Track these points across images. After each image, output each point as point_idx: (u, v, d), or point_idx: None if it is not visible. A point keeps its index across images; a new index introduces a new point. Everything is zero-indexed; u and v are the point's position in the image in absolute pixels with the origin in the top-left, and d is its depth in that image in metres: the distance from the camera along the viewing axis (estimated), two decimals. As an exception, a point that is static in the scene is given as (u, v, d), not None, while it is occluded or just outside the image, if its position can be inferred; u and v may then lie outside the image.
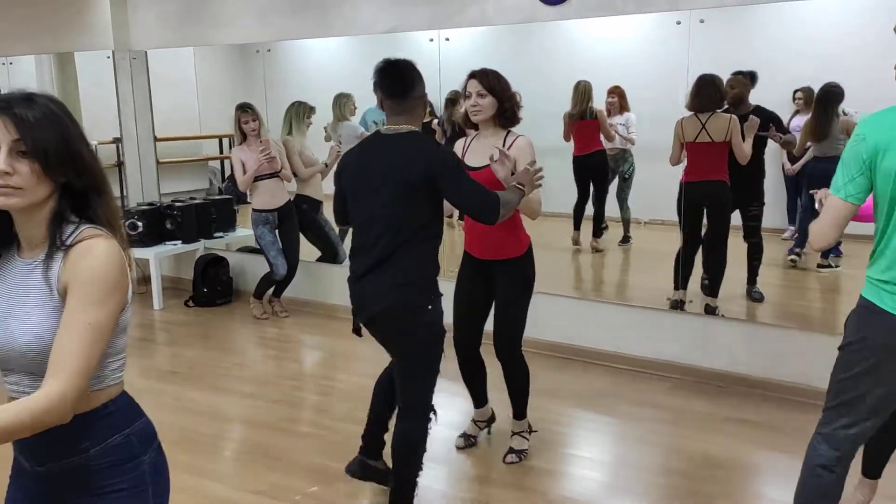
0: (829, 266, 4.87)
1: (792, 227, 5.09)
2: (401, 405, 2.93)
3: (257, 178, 5.58)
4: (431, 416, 2.96)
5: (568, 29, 4.93)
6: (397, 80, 2.79)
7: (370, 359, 3.32)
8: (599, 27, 4.85)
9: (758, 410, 4.09)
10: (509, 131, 3.26)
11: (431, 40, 5.13)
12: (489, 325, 3.49)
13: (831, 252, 4.77)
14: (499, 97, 3.18)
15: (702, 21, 4.20)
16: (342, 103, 6.02)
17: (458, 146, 3.38)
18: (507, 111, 3.20)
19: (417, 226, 2.73)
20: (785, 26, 4.44)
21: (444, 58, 5.08)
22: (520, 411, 3.59)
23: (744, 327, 4.48)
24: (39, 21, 6.92)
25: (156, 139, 6.85)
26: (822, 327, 4.38)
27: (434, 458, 3.59)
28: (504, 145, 3.19)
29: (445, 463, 3.62)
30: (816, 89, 4.45)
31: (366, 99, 5.91)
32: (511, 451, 3.58)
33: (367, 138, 2.94)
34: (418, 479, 3.00)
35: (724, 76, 4.42)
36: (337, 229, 6.03)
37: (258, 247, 5.88)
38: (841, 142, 4.43)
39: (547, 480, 3.43)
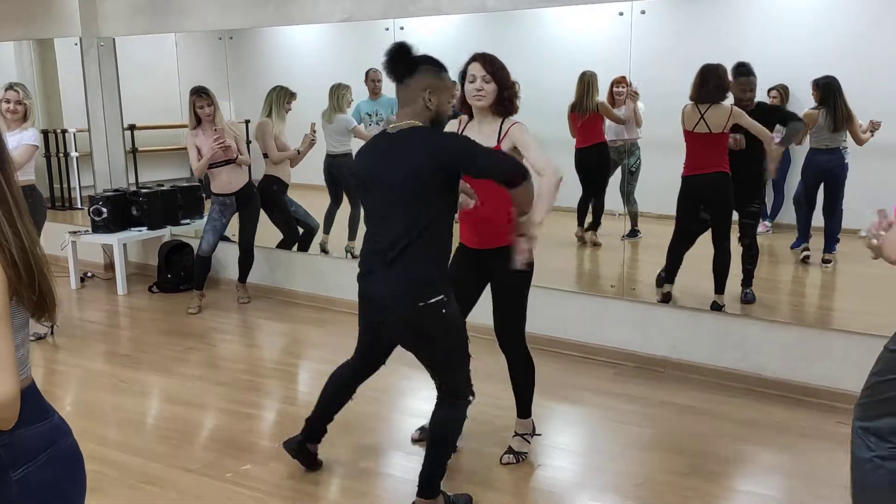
0: (830, 261, 4.68)
1: (766, 223, 4.97)
2: (440, 392, 2.91)
3: (213, 165, 5.58)
4: (470, 398, 2.95)
5: (523, 19, 4.95)
6: (397, 60, 2.73)
7: (326, 345, 3.33)
8: (554, 17, 4.87)
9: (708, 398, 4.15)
10: (504, 119, 3.15)
11: (387, 29, 5.17)
12: (480, 319, 3.44)
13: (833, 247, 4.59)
14: (500, 84, 3.09)
15: (643, 12, 4.23)
16: (340, 94, 5.92)
17: (450, 128, 3.20)
18: (505, 100, 3.11)
19: (426, 225, 2.71)
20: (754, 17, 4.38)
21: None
22: (524, 409, 3.47)
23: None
24: (11, 6, 6.95)
25: (131, 127, 6.86)
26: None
27: (396, 445, 3.62)
28: (500, 133, 3.11)
29: (411, 452, 3.55)
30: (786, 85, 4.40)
31: (321, 88, 5.92)
32: (510, 451, 3.44)
33: (375, 137, 2.90)
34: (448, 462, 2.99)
35: (668, 69, 4.44)
36: (301, 212, 6.13)
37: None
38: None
39: (512, 469, 3.38)
